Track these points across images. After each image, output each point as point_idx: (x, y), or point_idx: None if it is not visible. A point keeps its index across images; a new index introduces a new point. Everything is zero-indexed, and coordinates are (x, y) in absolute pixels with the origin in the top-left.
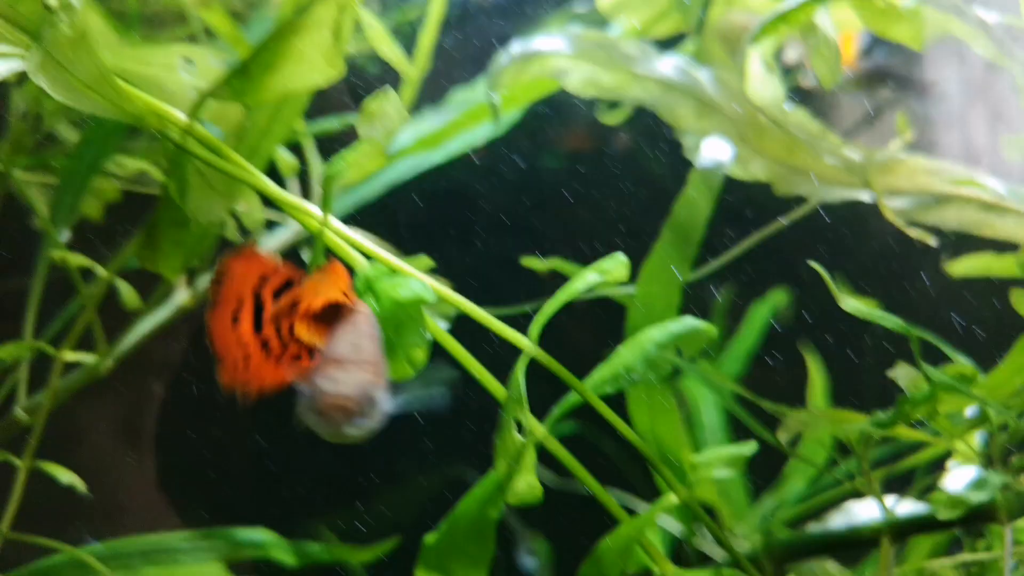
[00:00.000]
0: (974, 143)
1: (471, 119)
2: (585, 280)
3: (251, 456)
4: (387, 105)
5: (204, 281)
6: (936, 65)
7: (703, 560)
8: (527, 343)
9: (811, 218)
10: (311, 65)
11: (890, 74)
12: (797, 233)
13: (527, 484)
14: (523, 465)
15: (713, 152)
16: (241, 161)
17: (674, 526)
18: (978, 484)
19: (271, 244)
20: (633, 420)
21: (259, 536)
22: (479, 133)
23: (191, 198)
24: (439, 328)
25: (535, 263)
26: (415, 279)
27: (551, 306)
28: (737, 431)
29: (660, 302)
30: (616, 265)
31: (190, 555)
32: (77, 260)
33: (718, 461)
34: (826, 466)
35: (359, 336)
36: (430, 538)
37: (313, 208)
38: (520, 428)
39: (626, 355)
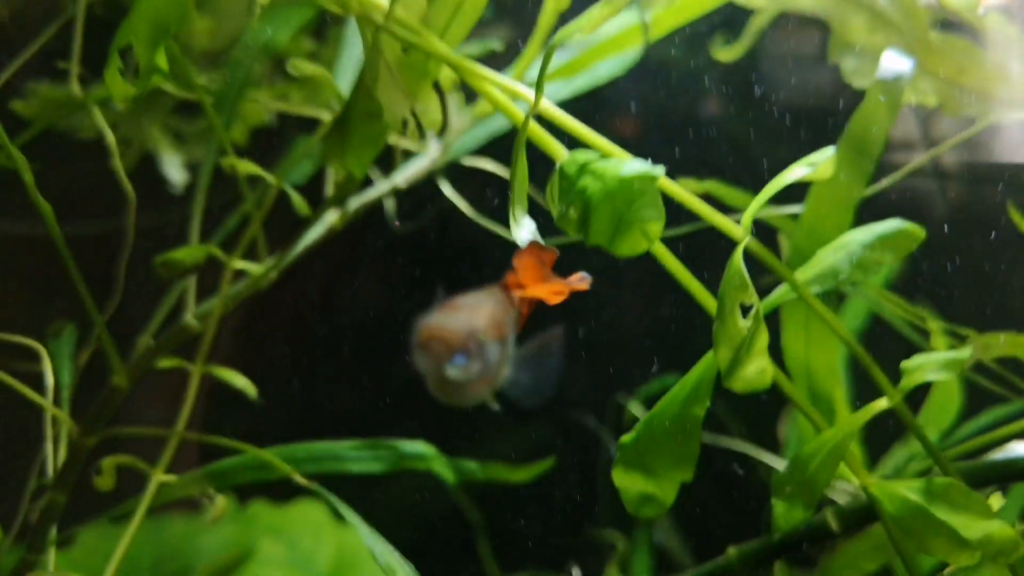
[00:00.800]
0: None
1: (614, 45)
2: (795, 172)
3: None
4: None
5: (355, 203)
6: None
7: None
8: (740, 230)
9: None
10: None
11: None
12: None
13: (757, 369)
14: (754, 349)
15: (893, 64)
16: (442, 48)
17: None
18: None
19: (408, 173)
20: (786, 349)
21: (422, 449)
22: (622, 59)
23: (380, 93)
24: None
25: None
26: (635, 160)
27: (765, 193)
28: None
29: (830, 222)
30: (824, 157)
31: (356, 463)
32: (247, 167)
33: (933, 365)
34: (958, 419)
35: (489, 299)
36: (626, 438)
37: (525, 89)
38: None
39: (831, 257)
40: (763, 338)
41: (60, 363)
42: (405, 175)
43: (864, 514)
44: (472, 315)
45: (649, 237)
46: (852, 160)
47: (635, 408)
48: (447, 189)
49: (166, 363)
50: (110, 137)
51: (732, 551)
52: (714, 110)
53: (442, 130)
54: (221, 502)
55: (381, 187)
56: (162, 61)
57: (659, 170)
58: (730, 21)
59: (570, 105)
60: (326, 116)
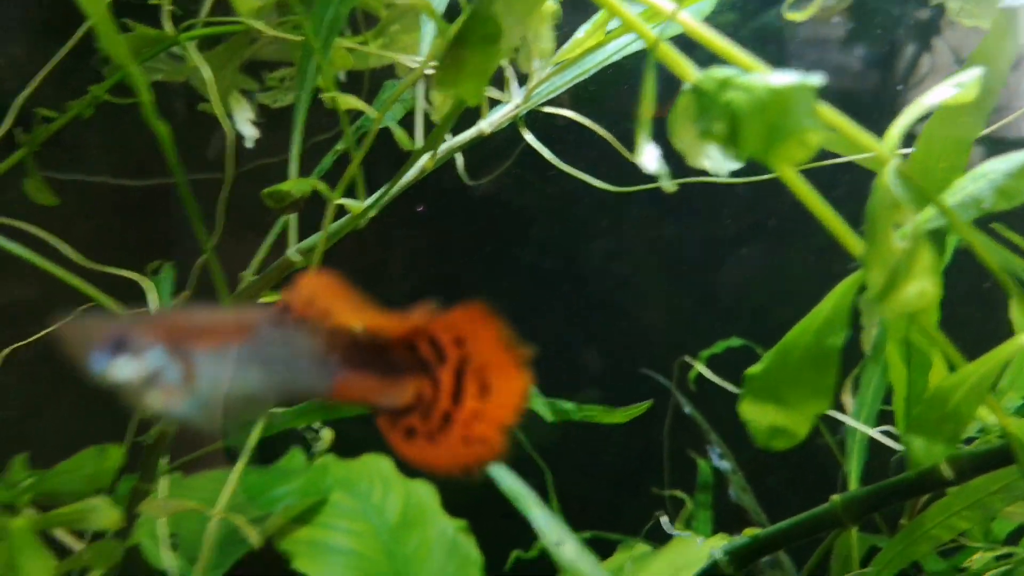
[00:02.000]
0: None
1: None
2: (939, 93)
3: None
4: None
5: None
6: None
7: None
8: (886, 150)
9: None
10: None
11: None
12: None
13: (918, 290)
14: (915, 269)
15: None
16: None
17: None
18: None
19: (494, 119)
20: None
21: None
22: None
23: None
24: None
25: None
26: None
27: (910, 112)
28: None
29: (944, 162)
30: (971, 79)
31: None
32: (348, 101)
33: None
34: None
35: (223, 310)
36: (755, 369)
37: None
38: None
39: (972, 185)
40: (926, 257)
41: (163, 300)
42: (490, 121)
43: (982, 462)
44: (147, 319)
45: (808, 147)
46: None
47: (701, 368)
48: (530, 137)
49: (269, 298)
50: (208, 74)
51: (836, 499)
52: None
53: (524, 78)
54: (328, 435)
55: (468, 133)
56: None
57: (816, 79)
58: None
59: None
60: (404, 62)
